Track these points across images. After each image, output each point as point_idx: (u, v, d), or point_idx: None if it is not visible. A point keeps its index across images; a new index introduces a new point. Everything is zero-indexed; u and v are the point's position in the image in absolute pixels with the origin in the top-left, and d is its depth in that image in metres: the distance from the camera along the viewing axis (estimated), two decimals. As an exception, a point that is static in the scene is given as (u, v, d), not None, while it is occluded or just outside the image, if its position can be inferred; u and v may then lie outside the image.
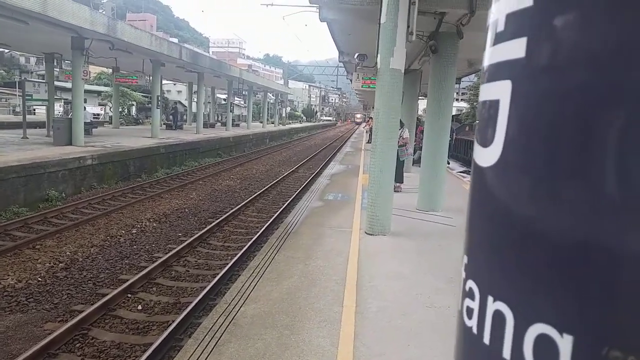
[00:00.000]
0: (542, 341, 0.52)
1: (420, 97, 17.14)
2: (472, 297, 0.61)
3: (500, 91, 0.60)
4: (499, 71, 0.61)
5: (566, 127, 0.52)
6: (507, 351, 0.55)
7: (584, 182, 0.50)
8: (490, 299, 0.57)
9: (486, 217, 0.61)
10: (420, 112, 19.54)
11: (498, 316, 0.56)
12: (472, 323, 0.60)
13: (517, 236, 0.55)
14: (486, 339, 0.58)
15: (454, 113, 9.50)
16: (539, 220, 0.53)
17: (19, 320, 5.21)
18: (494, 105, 0.61)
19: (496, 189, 0.59)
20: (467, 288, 0.63)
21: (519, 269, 0.54)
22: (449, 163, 10.53)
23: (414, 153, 14.45)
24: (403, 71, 6.87)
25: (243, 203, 11.45)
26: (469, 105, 62.56)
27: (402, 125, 9.71)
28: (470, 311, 0.61)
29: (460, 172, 20.12)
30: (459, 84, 19.86)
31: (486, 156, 0.61)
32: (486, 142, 0.61)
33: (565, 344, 0.50)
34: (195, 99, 30.01)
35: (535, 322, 0.52)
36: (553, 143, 0.53)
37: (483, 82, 0.65)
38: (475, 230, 0.64)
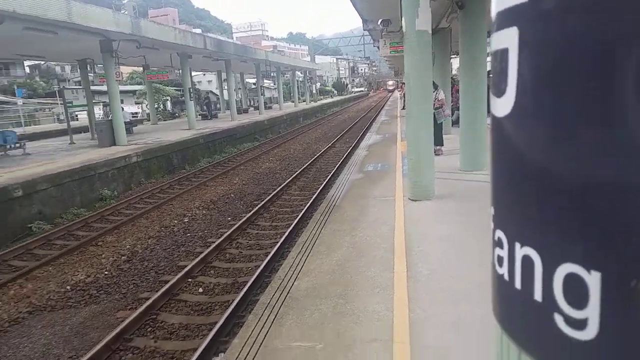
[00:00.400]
0: (571, 280, 0.53)
1: (452, 56, 16.62)
2: (501, 246, 0.64)
3: (508, 39, 0.60)
4: (506, 18, 0.61)
5: (573, 71, 0.52)
6: (538, 293, 0.57)
7: (598, 124, 0.50)
8: (517, 245, 0.59)
9: (507, 166, 0.63)
10: (454, 71, 18.96)
11: (526, 261, 0.58)
12: (503, 270, 0.63)
13: (537, 182, 0.56)
14: (517, 284, 0.61)
15: (487, 68, 9.17)
16: (558, 165, 0.54)
17: (93, 311, 5.65)
18: (504, 54, 0.61)
19: (513, 138, 0.60)
20: (496, 238, 0.66)
21: (542, 213, 0.56)
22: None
23: (452, 114, 14.13)
24: (430, 32, 6.70)
25: (285, 183, 11.64)
26: (504, 57, 59.71)
27: (435, 87, 9.51)
28: (500, 259, 0.64)
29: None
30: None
31: (501, 106, 0.62)
32: (500, 92, 0.62)
33: (593, 280, 0.52)
34: (226, 87, 30.32)
35: (563, 263, 0.54)
36: (563, 88, 0.53)
37: (493, 32, 0.65)
38: (498, 180, 0.66)
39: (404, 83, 34.61)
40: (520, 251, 0.60)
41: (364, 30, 15.53)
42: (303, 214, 8.56)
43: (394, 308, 3.88)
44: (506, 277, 0.63)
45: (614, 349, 0.52)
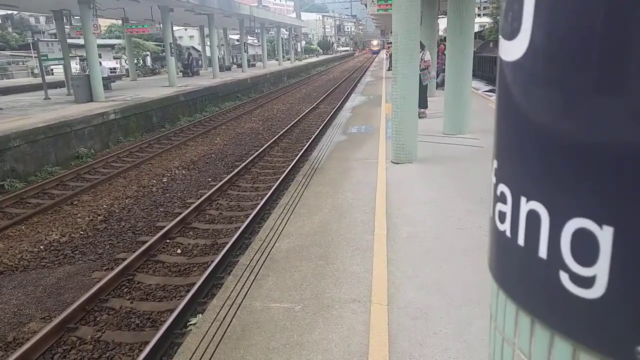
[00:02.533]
0: (580, 235, 0.50)
1: (440, 16, 16.28)
2: (504, 201, 0.58)
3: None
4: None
5: (601, 9, 0.46)
6: (543, 250, 0.53)
7: (622, 73, 0.45)
8: (523, 199, 0.55)
9: (515, 116, 0.57)
10: (441, 32, 18.66)
11: (532, 216, 0.54)
12: (505, 227, 0.58)
13: (550, 132, 0.51)
14: (521, 241, 0.57)
15: (476, 30, 9.01)
16: (575, 113, 0.49)
17: (68, 271, 5.54)
18: None
19: (525, 83, 0.54)
20: (498, 192, 0.60)
21: (553, 166, 0.51)
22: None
23: (437, 76, 13.97)
24: (420, -12, 6.48)
25: (267, 144, 11.48)
26: (491, 20, 59.34)
27: (422, 47, 9.31)
28: (502, 215, 0.59)
29: (486, 91, 19.46)
30: (481, -3, 18.71)
31: (512, 49, 0.56)
32: (511, 34, 0.56)
33: (605, 235, 0.48)
34: (208, 43, 29.42)
35: (573, 217, 0.50)
36: (586, 27, 0.47)
37: None
38: (505, 131, 0.60)
39: (390, 43, 34.13)
40: (526, 206, 0.55)
41: (352, -14, 15.04)
42: (285, 175, 8.47)
43: (373, 269, 3.89)
44: (508, 233, 0.58)
45: (621, 308, 0.49)
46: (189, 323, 4.15)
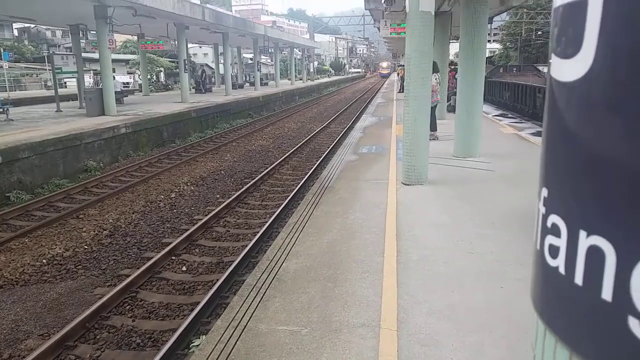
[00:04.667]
0: None
1: (451, 41, 16.37)
2: (557, 234, 0.52)
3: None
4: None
5: None
6: (607, 291, 0.47)
7: None
8: (582, 234, 0.49)
9: (573, 140, 0.51)
10: (451, 57, 18.73)
11: (594, 253, 0.48)
12: (558, 262, 0.52)
13: (619, 159, 0.45)
14: (578, 279, 0.51)
15: (486, 55, 9.02)
16: None
17: (69, 286, 5.47)
18: (579, 5, 0.50)
19: (587, 106, 0.49)
20: (549, 224, 0.54)
21: (621, 197, 0.45)
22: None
23: (449, 99, 13.95)
24: (433, 13, 6.50)
25: (277, 162, 11.47)
26: (501, 46, 59.71)
27: (436, 69, 9.35)
28: (554, 250, 0.53)
29: (496, 115, 19.40)
30: (491, 23, 18.85)
31: (569, 69, 0.51)
32: (570, 52, 0.51)
33: None
34: (222, 61, 29.80)
35: None
36: None
37: None
38: (559, 156, 0.54)
39: (401, 66, 34.31)
40: (586, 241, 0.49)
41: (365, 9, 15.23)
42: (294, 194, 8.42)
43: (383, 293, 3.79)
44: (562, 270, 0.52)
45: None
46: (192, 344, 4.05)
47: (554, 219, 0.53)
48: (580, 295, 0.49)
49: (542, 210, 0.56)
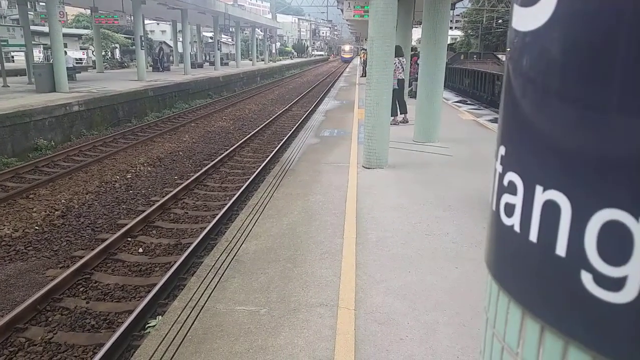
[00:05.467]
0: (610, 229, 0.43)
1: (414, 26, 16.50)
2: (514, 191, 0.51)
3: None
4: None
5: None
6: (561, 246, 0.46)
7: None
8: (539, 189, 0.48)
9: (532, 92, 0.50)
10: (414, 42, 18.91)
11: (550, 207, 0.47)
12: (514, 221, 0.52)
13: (578, 109, 0.44)
14: (533, 236, 0.50)
15: (448, 42, 9.15)
16: (607, 86, 0.42)
17: (19, 268, 5.22)
18: None
19: (546, 54, 0.48)
20: (505, 182, 0.53)
21: (581, 149, 0.44)
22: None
23: (410, 84, 14.13)
24: (397, -5, 6.50)
25: (238, 144, 11.29)
26: (463, 34, 60.84)
27: (400, 53, 9.44)
28: (510, 208, 0.52)
29: (456, 102, 19.84)
30: (454, 10, 19.10)
31: (530, 17, 0.50)
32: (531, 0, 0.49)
33: None
34: (181, 39, 28.88)
35: (602, 208, 0.44)
36: None
37: None
38: (515, 112, 0.53)
39: (364, 49, 34.26)
40: (542, 196, 0.48)
41: (329, -10, 15.03)
42: (255, 176, 8.33)
43: (342, 274, 3.82)
44: (517, 227, 0.52)
45: None
46: (148, 325, 3.97)
47: (510, 176, 0.52)
48: (534, 252, 0.49)
49: (499, 169, 0.55)
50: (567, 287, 0.46)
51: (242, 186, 7.75)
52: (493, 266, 0.57)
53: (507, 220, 0.53)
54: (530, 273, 0.50)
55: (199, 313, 3.31)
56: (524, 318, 0.51)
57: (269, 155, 9.93)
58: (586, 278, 0.45)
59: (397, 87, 9.85)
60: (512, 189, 0.51)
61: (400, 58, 9.94)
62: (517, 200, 0.51)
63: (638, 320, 0.42)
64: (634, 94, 0.40)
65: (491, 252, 0.57)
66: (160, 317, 3.76)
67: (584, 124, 0.44)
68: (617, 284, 0.43)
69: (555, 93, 0.46)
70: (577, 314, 0.46)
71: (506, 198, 0.53)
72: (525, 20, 0.49)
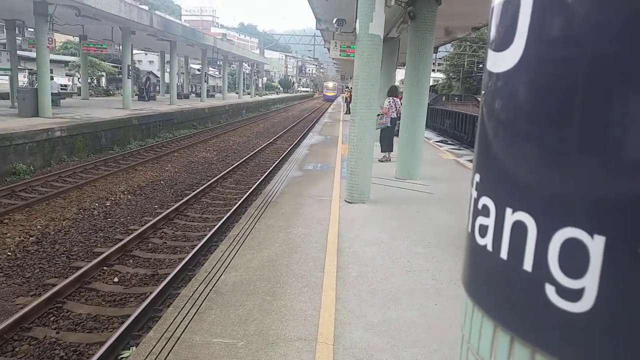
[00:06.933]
0: (569, 246, 0.48)
1: (398, 67, 17.02)
2: (487, 214, 0.57)
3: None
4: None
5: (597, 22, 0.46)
6: (528, 262, 0.52)
7: (621, 82, 0.46)
8: (508, 211, 0.53)
9: (503, 126, 0.56)
10: (397, 83, 19.46)
11: (518, 227, 0.53)
12: (487, 240, 0.57)
13: (541, 141, 0.50)
14: (504, 254, 0.55)
15: (430, 83, 9.49)
16: (567, 121, 0.48)
17: (-12, 294, 5.05)
18: (513, 3, 0.55)
19: (515, 94, 0.54)
20: (480, 206, 0.58)
21: (543, 175, 0.50)
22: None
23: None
24: (382, 37, 6.75)
25: (220, 175, 11.28)
26: (444, 76, 62.82)
27: (394, 93, 9.71)
28: (483, 229, 0.57)
29: (437, 141, 20.28)
30: (436, 53, 19.78)
31: (503, 60, 0.56)
32: (504, 45, 0.56)
33: (596, 245, 0.47)
34: (168, 69, 29.16)
35: (563, 227, 0.49)
36: (581, 36, 0.47)
37: None
38: (489, 143, 0.59)
39: (347, 87, 34.93)
40: (512, 217, 0.54)
41: (317, 29, 15.51)
42: (236, 208, 8.30)
43: (321, 308, 3.80)
44: (489, 247, 0.56)
45: (610, 322, 0.48)
46: (121, 356, 3.85)
47: (484, 200, 0.58)
48: (504, 268, 0.54)
49: (474, 194, 0.60)
50: (533, 299, 0.50)
51: (223, 217, 7.70)
52: (468, 284, 0.61)
53: (480, 241, 0.57)
54: (501, 288, 0.55)
55: (175, 344, 3.24)
56: (495, 331, 0.55)
57: (251, 187, 9.94)
58: (550, 290, 0.49)
59: (389, 125, 10.07)
60: (485, 211, 0.56)
61: (395, 98, 10.22)
62: (490, 221, 0.56)
63: (595, 326, 0.46)
64: (586, 135, 0.46)
65: (466, 271, 0.62)
66: (134, 347, 3.65)
67: (545, 160, 0.50)
68: (576, 295, 0.48)
69: (521, 134, 0.53)
70: (543, 323, 0.50)
71: (480, 220, 0.57)
72: (498, 62, 0.56)
